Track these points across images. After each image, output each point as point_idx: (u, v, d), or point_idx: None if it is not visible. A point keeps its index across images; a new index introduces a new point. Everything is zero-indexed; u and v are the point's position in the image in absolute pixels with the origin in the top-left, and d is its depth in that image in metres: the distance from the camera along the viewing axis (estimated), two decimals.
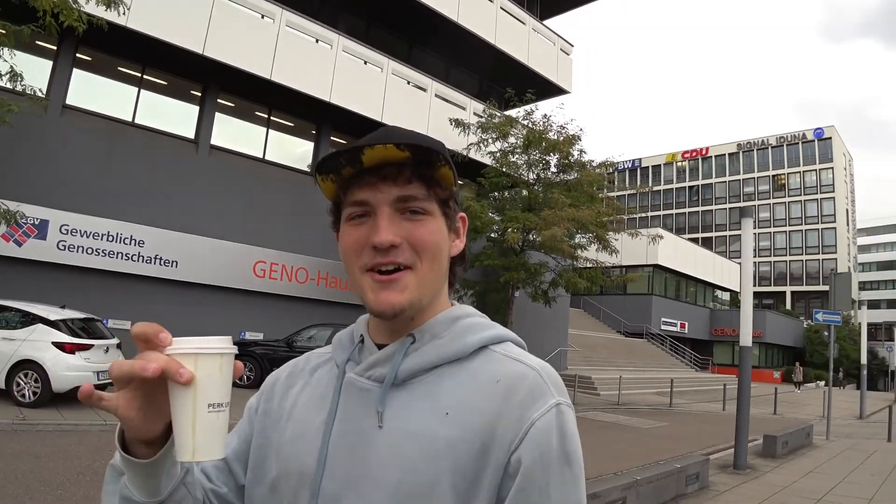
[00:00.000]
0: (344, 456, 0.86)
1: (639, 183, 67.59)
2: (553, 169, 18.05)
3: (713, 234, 69.40)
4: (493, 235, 18.22)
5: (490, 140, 18.03)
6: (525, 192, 18.12)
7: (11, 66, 9.40)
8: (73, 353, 9.60)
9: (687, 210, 72.36)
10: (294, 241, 17.11)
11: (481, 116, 18.92)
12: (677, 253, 38.83)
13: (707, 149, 72.87)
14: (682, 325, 40.72)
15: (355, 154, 0.84)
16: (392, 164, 0.85)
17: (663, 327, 38.63)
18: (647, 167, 75.53)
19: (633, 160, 75.29)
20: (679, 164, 74.63)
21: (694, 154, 73.69)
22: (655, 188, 73.15)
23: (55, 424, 8.67)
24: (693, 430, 15.43)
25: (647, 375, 26.69)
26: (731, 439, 11.06)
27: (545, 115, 18.27)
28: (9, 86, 9.84)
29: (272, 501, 0.92)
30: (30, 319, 9.72)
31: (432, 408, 0.84)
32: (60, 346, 9.52)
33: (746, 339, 10.67)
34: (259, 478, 0.95)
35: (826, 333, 50.61)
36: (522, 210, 17.37)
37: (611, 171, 19.77)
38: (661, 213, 73.05)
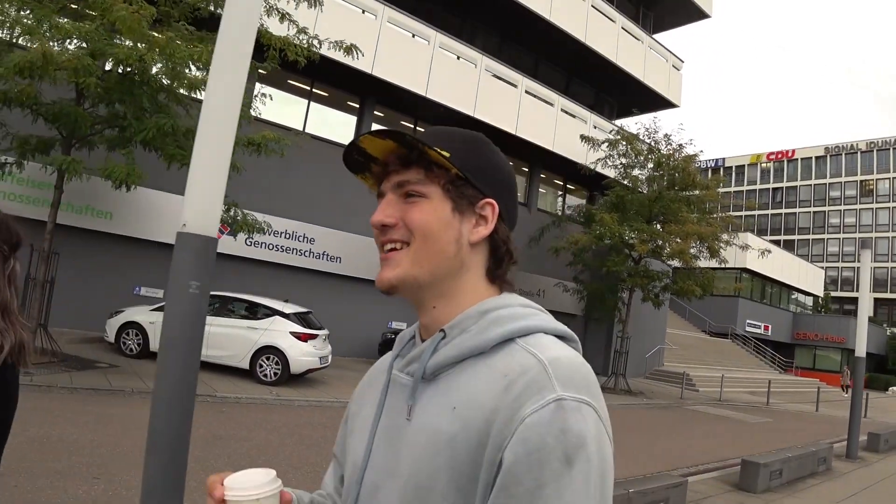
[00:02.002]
0: (383, 448, 0.91)
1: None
2: (675, 186, 19.84)
3: (795, 237, 68.97)
4: (608, 241, 20.15)
5: (617, 155, 19.95)
6: (647, 204, 19.89)
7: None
8: (306, 342, 11.80)
9: (770, 211, 71.88)
10: None
11: (609, 133, 20.86)
12: (763, 256, 39.64)
13: (793, 151, 72.10)
14: (766, 328, 41.56)
15: (359, 148, 0.95)
16: (392, 154, 0.94)
17: (748, 329, 39.65)
18: (731, 167, 75.17)
19: (717, 159, 75.08)
20: (763, 165, 74.06)
21: (780, 156, 72.98)
22: (738, 188, 72.91)
23: (304, 400, 10.81)
24: (795, 426, 17.16)
25: (737, 375, 28.13)
26: (833, 436, 13.11)
27: (666, 135, 20.09)
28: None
29: (343, 492, 1.02)
30: (269, 312, 11.93)
31: (445, 402, 0.85)
32: (297, 335, 11.69)
33: (861, 350, 12.60)
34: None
35: None
36: (643, 221, 19.30)
37: (723, 186, 21.37)
38: (744, 213, 72.83)
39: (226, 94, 2.85)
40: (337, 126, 18.86)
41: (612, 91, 26.57)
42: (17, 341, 1.50)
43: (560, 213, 23.51)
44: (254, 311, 12.14)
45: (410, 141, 0.89)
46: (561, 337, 0.90)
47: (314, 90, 18.33)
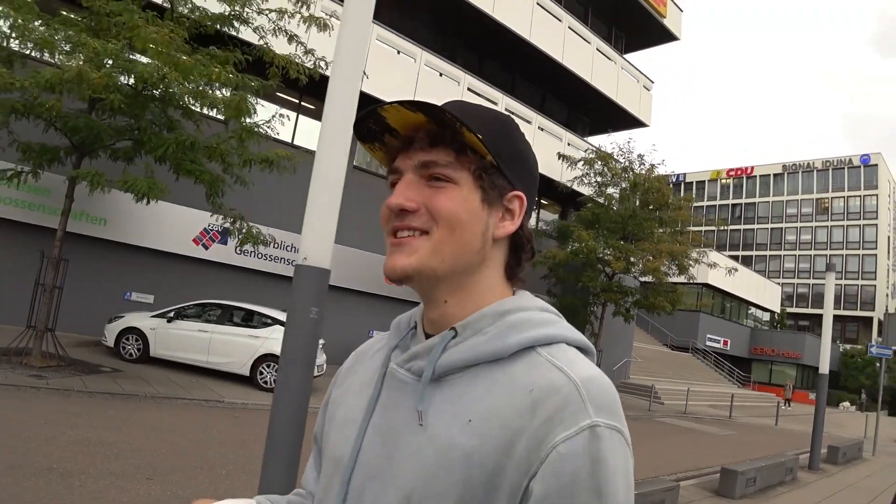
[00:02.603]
0: (375, 449, 0.84)
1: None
2: (649, 205, 20.60)
3: (753, 253, 71.15)
4: (583, 257, 20.81)
5: (593, 174, 20.64)
6: (620, 222, 20.61)
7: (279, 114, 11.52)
8: None
9: (729, 227, 73.96)
10: None
11: (583, 152, 21.57)
12: (723, 272, 40.94)
13: (752, 168, 74.42)
14: (725, 343, 42.88)
15: (378, 117, 0.85)
16: (418, 129, 0.85)
17: (708, 343, 40.87)
18: (692, 182, 77.23)
19: (678, 174, 77.02)
20: (723, 181, 76.26)
21: (739, 172, 75.18)
22: (698, 203, 74.85)
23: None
24: (759, 439, 17.93)
25: (700, 389, 29.04)
26: (794, 448, 13.82)
27: (640, 155, 20.86)
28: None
29: (319, 483, 0.97)
30: (270, 321, 12.14)
31: (458, 412, 0.78)
32: None
33: (824, 368, 13.32)
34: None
35: (859, 360, 52.49)
36: (617, 238, 19.99)
37: (692, 204, 22.24)
38: (703, 228, 74.79)
39: (334, 147, 3.24)
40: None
41: (585, 109, 27.34)
42: None
43: (535, 228, 24.10)
44: (255, 320, 12.40)
45: (448, 119, 0.81)
46: (581, 349, 0.85)
47: (303, 103, 18.60)
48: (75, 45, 9.05)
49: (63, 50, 9.19)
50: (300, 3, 10.78)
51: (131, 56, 9.38)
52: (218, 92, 10.12)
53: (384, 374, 0.91)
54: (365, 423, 0.88)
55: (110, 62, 8.99)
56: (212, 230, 15.42)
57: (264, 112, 11.34)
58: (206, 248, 15.88)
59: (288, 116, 11.86)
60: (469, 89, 20.43)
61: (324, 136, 3.19)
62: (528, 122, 22.36)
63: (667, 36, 28.84)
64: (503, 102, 21.39)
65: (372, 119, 0.85)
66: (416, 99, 0.81)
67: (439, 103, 0.81)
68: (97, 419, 7.46)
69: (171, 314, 12.30)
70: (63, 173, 10.46)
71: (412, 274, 0.83)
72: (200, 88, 9.68)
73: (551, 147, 22.22)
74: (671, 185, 22.14)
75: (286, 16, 10.86)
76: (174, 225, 15.15)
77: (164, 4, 10.91)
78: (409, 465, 0.79)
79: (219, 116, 11.01)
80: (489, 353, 0.81)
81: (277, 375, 3.17)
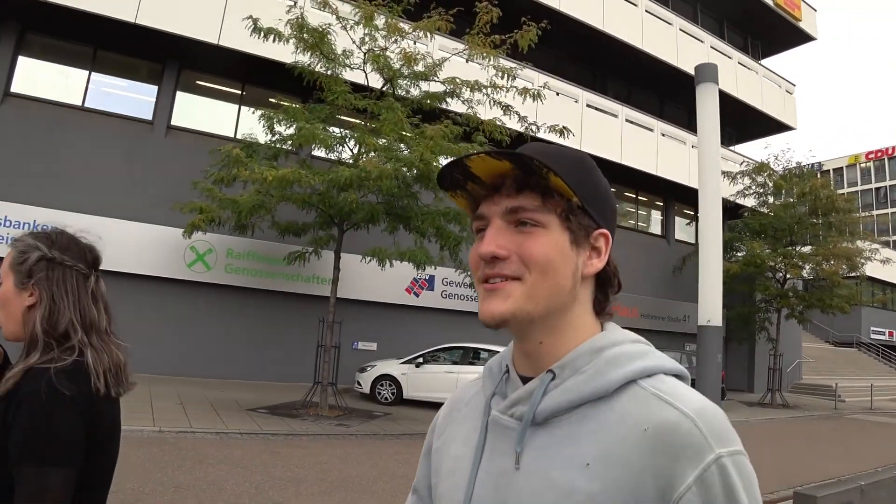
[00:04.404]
0: (489, 494, 0.86)
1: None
2: (818, 211, 21.38)
3: None
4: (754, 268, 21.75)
5: (755, 186, 21.67)
6: (786, 230, 21.45)
7: None
8: None
9: (875, 212, 70.31)
10: None
11: (739, 165, 22.64)
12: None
13: (893, 148, 70.53)
14: (891, 333, 41.36)
15: (463, 167, 0.86)
16: (503, 176, 0.85)
17: (872, 336, 39.68)
18: (828, 170, 74.07)
19: (813, 163, 73.98)
20: (863, 165, 72.68)
21: (879, 154, 71.48)
22: (838, 191, 71.61)
23: None
24: None
25: (879, 384, 28.72)
26: None
27: (799, 164, 21.64)
28: None
29: None
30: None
31: (572, 455, 0.80)
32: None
33: None
34: None
35: None
36: (784, 245, 20.86)
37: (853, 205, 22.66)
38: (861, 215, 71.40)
39: (712, 230, 5.16)
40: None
41: (731, 121, 28.15)
42: (111, 362, 1.42)
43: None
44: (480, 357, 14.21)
45: (536, 166, 0.82)
46: (678, 376, 0.87)
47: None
48: (362, 144, 11.02)
49: (351, 150, 11.30)
50: (508, 77, 12.25)
51: (399, 147, 11.35)
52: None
53: (487, 422, 0.92)
54: (475, 471, 0.89)
55: (389, 158, 10.78)
56: (420, 279, 17.62)
57: None
58: (417, 295, 18.08)
59: None
60: (627, 120, 22.05)
61: (703, 230, 5.16)
62: (683, 142, 23.63)
63: (804, 37, 29.19)
64: (658, 128, 22.85)
65: (457, 169, 0.87)
66: (500, 149, 0.84)
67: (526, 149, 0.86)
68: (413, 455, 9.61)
69: (420, 360, 14.34)
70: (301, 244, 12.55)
71: (509, 319, 0.84)
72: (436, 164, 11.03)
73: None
74: (836, 190, 22.65)
75: (498, 89, 12.28)
76: (391, 278, 16.33)
77: (384, 89, 12.16)
78: None
79: None
80: (592, 392, 0.82)
81: None
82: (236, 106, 16.81)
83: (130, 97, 15.84)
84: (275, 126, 11.24)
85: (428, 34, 11.67)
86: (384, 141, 11.21)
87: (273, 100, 12.42)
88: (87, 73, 15.31)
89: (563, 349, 0.87)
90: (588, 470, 0.77)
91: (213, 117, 16.47)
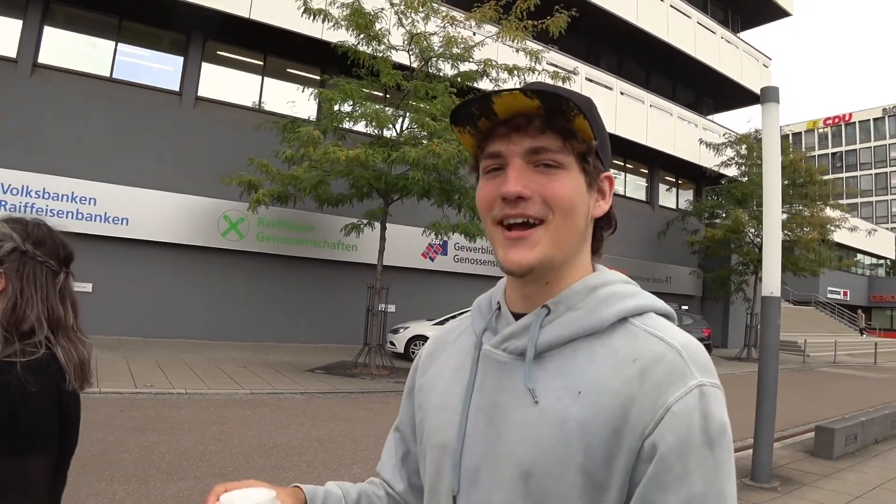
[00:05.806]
0: (482, 429, 0.87)
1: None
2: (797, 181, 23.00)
3: (858, 200, 70.30)
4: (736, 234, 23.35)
5: (738, 157, 23.16)
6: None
7: None
8: None
9: (830, 177, 73.05)
10: None
11: (721, 136, 24.12)
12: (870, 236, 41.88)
13: (850, 115, 73.05)
14: (845, 293, 44.09)
15: (486, 103, 0.83)
16: (524, 115, 0.84)
17: (829, 296, 42.26)
18: (787, 135, 76.32)
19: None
20: (820, 130, 75.22)
21: (837, 120, 73.97)
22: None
23: None
24: None
25: (831, 340, 31.01)
26: None
27: (783, 136, 23.09)
28: None
29: (424, 470, 0.99)
30: None
31: (565, 385, 0.82)
32: None
33: None
34: (421, 450, 1.02)
35: None
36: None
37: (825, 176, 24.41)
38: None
39: (774, 220, 6.31)
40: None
41: (710, 92, 29.57)
42: (78, 359, 1.40)
43: (684, 209, 26.63)
44: None
45: (572, 107, 0.82)
46: (666, 316, 0.89)
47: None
48: (421, 126, 11.70)
49: (398, 130, 12.14)
50: (535, 59, 13.00)
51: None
52: None
53: (478, 356, 0.92)
54: (466, 406, 0.90)
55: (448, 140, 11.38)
56: (435, 244, 18.52)
57: None
58: (432, 259, 19.18)
59: None
60: (621, 92, 23.17)
61: (766, 219, 6.43)
62: (670, 113, 24.92)
63: (780, 13, 30.60)
64: (647, 100, 24.07)
65: (477, 104, 0.84)
66: (532, 87, 0.82)
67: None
68: None
69: (449, 320, 15.32)
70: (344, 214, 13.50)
71: (536, 267, 0.84)
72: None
73: (691, 134, 24.79)
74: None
75: (529, 72, 13.13)
76: (408, 244, 17.84)
77: (415, 65, 12.86)
78: (523, 441, 0.82)
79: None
80: (587, 327, 0.84)
81: (761, 357, 6.32)
82: (259, 77, 17.34)
83: (156, 68, 16.27)
84: (333, 106, 11.88)
85: (473, 21, 12.36)
86: (438, 123, 11.62)
87: (319, 77, 13.05)
88: (113, 43, 15.65)
89: (561, 287, 0.88)
90: (580, 398, 0.80)
91: (238, 88, 16.99)
